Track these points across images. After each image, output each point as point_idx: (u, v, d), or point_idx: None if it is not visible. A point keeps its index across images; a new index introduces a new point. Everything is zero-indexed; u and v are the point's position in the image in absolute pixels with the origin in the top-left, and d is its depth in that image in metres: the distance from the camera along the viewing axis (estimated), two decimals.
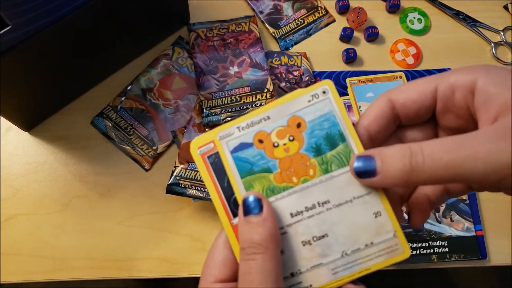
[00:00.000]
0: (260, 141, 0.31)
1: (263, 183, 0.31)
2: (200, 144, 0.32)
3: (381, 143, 0.32)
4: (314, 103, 0.32)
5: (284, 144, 0.31)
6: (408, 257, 0.31)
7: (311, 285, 0.31)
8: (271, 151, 0.31)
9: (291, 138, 0.31)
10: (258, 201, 0.30)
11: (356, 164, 0.30)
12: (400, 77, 0.64)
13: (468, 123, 0.30)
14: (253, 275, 0.28)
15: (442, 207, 0.59)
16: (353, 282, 0.31)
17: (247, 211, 0.30)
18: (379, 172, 0.28)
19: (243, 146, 0.31)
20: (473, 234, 0.58)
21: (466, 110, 0.30)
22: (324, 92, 0.32)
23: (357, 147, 0.31)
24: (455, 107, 0.30)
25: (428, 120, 0.33)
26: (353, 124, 0.32)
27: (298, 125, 0.32)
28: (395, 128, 0.33)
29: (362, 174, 0.29)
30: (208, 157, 0.32)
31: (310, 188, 0.31)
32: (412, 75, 0.65)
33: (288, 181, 0.31)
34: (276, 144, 0.31)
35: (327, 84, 0.32)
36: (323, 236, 0.31)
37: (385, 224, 0.31)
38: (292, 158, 0.31)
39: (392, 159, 0.28)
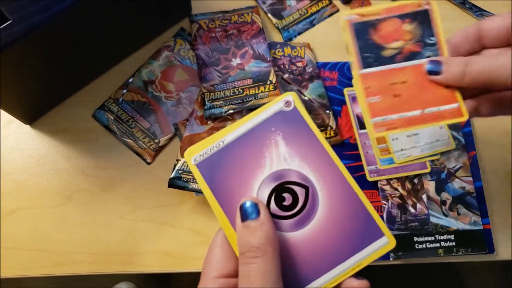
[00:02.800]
0: None
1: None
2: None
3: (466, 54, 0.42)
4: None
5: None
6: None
7: (410, 155, 0.56)
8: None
9: None
10: (255, 206, 0.31)
11: (428, 65, 0.39)
12: None
13: None
14: (253, 277, 0.28)
15: (449, 200, 0.58)
16: (355, 276, 0.32)
17: (244, 216, 0.31)
18: (442, 72, 0.38)
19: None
20: (481, 227, 0.57)
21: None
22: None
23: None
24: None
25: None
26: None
27: None
28: (479, 47, 0.41)
29: (431, 72, 0.39)
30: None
31: None
32: None
33: None
34: None
35: None
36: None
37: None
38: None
39: (454, 63, 0.38)
